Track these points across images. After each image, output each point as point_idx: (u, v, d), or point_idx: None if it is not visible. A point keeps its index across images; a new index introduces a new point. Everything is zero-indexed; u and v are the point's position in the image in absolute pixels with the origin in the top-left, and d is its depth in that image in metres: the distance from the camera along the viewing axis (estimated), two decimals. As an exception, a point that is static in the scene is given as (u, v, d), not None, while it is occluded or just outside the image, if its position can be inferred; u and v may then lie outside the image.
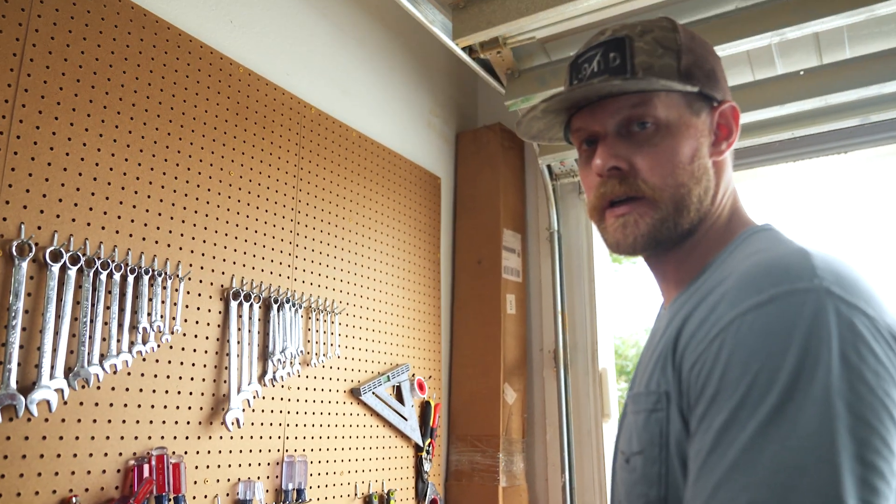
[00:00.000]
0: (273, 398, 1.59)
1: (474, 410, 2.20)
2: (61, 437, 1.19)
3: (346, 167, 1.91)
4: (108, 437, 1.26)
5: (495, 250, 2.30)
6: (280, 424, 1.60)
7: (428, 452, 2.03)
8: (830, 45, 1.94)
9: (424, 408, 2.06)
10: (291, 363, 1.62)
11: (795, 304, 0.60)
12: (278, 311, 1.61)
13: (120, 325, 1.29)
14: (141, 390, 1.32)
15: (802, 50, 1.97)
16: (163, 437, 1.35)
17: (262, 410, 1.56)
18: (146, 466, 1.27)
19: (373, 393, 1.86)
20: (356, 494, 1.79)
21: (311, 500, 1.64)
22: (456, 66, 2.58)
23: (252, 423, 1.53)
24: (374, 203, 2.00)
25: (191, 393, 1.41)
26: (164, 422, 1.35)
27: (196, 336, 1.44)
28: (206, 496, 1.42)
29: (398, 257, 2.06)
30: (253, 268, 1.58)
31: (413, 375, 2.05)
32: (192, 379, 1.42)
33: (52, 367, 1.17)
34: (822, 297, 0.60)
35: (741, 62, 2.02)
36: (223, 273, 1.52)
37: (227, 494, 1.46)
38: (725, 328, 0.63)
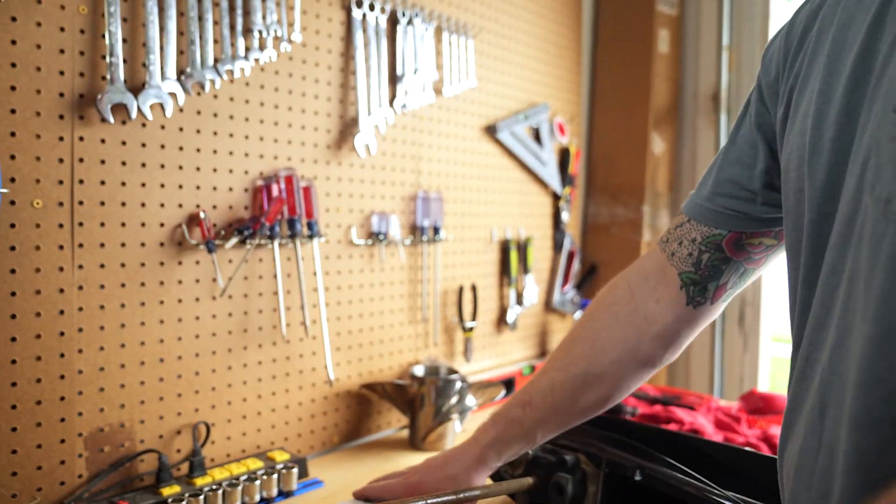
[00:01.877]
0: (405, 128, 1.42)
1: (617, 160, 1.98)
2: (181, 148, 1.07)
3: None
4: (231, 153, 1.13)
5: (648, -26, 1.93)
6: (413, 157, 1.44)
7: (567, 202, 1.86)
8: None
9: (563, 154, 1.86)
10: (423, 88, 1.42)
11: None
12: (406, 27, 1.38)
13: (232, 27, 1.11)
14: (262, 104, 1.17)
15: None
16: (289, 159, 1.22)
17: (394, 140, 1.40)
18: (275, 186, 1.15)
19: (510, 132, 1.67)
20: (492, 239, 1.67)
21: (447, 239, 1.53)
22: None
23: (384, 153, 1.38)
24: None
25: (316, 112, 1.25)
26: (289, 141, 1.21)
27: (318, 48, 1.25)
28: (339, 225, 1.31)
29: (536, -22, 1.75)
30: (376, -28, 1.35)
31: (553, 116, 1.82)
32: (316, 97, 1.25)
33: (163, 68, 1.02)
34: None
35: None
36: (343, -25, 1.29)
37: (361, 226, 1.35)
38: None
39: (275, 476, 1.09)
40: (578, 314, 1.83)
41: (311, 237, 1.21)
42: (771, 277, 1.96)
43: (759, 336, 1.95)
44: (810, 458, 0.55)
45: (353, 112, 1.31)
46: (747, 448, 0.97)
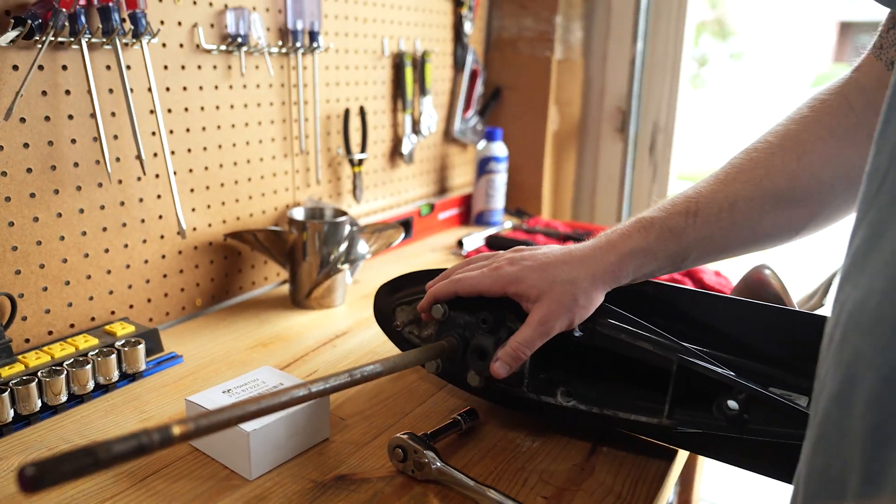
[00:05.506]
0: None
1: (527, -41, 1.66)
2: None
3: None
4: None
5: None
6: (277, -68, 1.08)
7: (470, 9, 1.55)
8: None
9: (466, -53, 1.53)
10: None
11: None
12: None
13: None
14: None
15: None
16: (95, -84, 0.84)
17: None
18: (73, -45, 0.79)
19: None
20: (383, 52, 1.35)
21: (327, 48, 1.20)
22: None
23: (236, -78, 1.01)
24: None
25: None
26: None
27: None
28: (179, 22, 0.96)
29: None
30: None
31: None
32: None
33: None
34: None
35: None
36: None
37: (212, 25, 1.00)
38: None
39: (113, 356, 0.82)
40: (482, 144, 1.58)
41: (136, 36, 0.86)
42: (684, 109, 1.79)
43: (670, 165, 1.80)
44: (890, 305, 0.37)
45: None
46: (699, 289, 0.79)
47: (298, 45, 1.12)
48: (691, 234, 0.66)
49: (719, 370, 0.63)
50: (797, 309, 0.75)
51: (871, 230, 0.38)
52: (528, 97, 1.72)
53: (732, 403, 0.62)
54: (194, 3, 0.97)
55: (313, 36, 1.14)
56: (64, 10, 0.76)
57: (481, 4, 1.65)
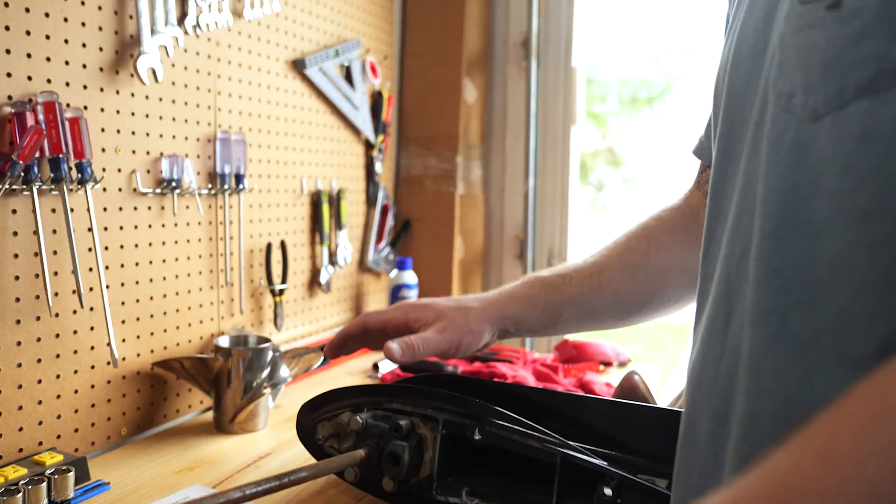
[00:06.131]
0: (199, 54, 1.19)
1: (430, 108, 1.87)
2: None
3: None
4: (-37, 68, 0.85)
5: (460, -89, 1.83)
6: (210, 91, 1.22)
7: (380, 151, 1.73)
8: None
9: (376, 99, 1.71)
10: (220, 8, 1.20)
11: None
12: (197, -70, 1.15)
13: None
14: (6, 4, 0.89)
15: None
16: (49, 81, 0.95)
17: (186, 68, 1.16)
18: (30, 115, 0.89)
19: (320, 69, 1.48)
20: (302, 191, 1.49)
21: (252, 189, 1.32)
22: None
23: (174, 83, 1.14)
24: None
25: (84, 24, 0.99)
26: (48, 59, 0.94)
27: (82, -59, 0.98)
28: (120, 169, 1.06)
29: None
30: None
31: (365, 54, 1.66)
32: (82, 2, 0.99)
33: None
34: None
35: None
36: None
37: (148, 171, 1.11)
38: None
39: (44, 484, 0.85)
40: (395, 273, 1.71)
41: (82, 183, 0.96)
42: (576, 228, 1.99)
43: (566, 287, 1.98)
44: (712, 365, 0.52)
45: (133, 28, 1.06)
46: (583, 394, 0.92)
47: (226, 187, 1.24)
48: (567, 292, 0.82)
49: (595, 462, 0.74)
50: (659, 406, 0.89)
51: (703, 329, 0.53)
52: (435, 228, 1.88)
53: (607, 490, 0.73)
54: (133, 152, 1.08)
55: (239, 178, 1.26)
56: (21, 161, 0.85)
57: (390, 146, 1.83)
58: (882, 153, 0.39)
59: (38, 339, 0.95)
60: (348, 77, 1.59)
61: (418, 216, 1.89)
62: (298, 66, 1.43)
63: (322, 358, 1.27)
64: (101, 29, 1.01)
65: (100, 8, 1.01)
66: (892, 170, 0.39)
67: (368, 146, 1.70)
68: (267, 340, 1.21)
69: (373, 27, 1.70)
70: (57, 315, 0.97)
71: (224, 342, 1.19)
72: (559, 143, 1.94)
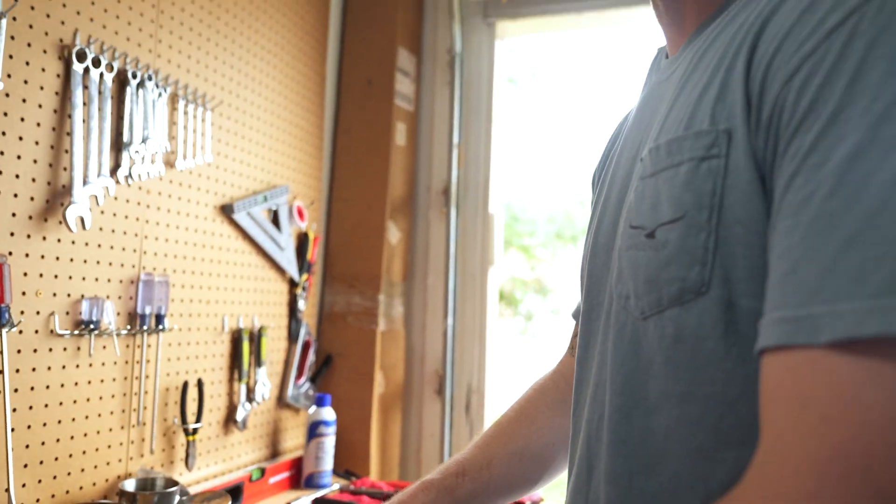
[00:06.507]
0: (129, 201, 1.25)
1: (355, 248, 1.96)
2: None
3: (223, -72, 1.50)
4: None
5: (388, 71, 2.00)
6: (136, 235, 1.27)
7: (304, 289, 1.78)
8: None
9: (302, 239, 1.79)
10: (153, 159, 1.27)
11: None
12: (137, 89, 1.24)
13: None
14: (-58, 160, 0.94)
15: None
16: (-23, 229, 0.99)
17: (115, 214, 1.22)
18: (-47, 263, 0.92)
19: (247, 213, 1.56)
20: (223, 328, 1.52)
21: (172, 329, 1.35)
22: None
23: (101, 228, 1.19)
24: (255, -15, 1.61)
25: (17, 176, 1.04)
26: (-22, 208, 0.99)
27: (25, 100, 1.05)
28: (38, 312, 1.08)
29: (281, 59, 1.71)
30: (105, 26, 1.19)
31: (293, 199, 1.75)
32: (18, 157, 1.04)
33: None
34: None
35: None
36: (63, 23, 1.11)
37: (68, 313, 1.13)
38: (855, 10, 0.43)
39: None
40: (313, 409, 1.73)
41: (-1, 327, 0.98)
42: (494, 363, 2.06)
43: (484, 422, 2.02)
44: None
45: (66, 179, 1.11)
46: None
47: (145, 327, 1.26)
48: (461, 492, 0.86)
49: None
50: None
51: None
52: (356, 364, 1.91)
53: None
54: (54, 294, 1.11)
55: (160, 318, 1.29)
56: (-62, 310, 0.87)
57: (315, 283, 1.89)
58: (690, 350, 0.50)
59: (-66, 487, 0.93)
60: (276, 220, 1.67)
61: (340, 351, 1.93)
62: (227, 210, 1.50)
63: (229, 501, 1.26)
64: (34, 180, 1.07)
65: (35, 161, 1.07)
66: (699, 363, 0.49)
67: (293, 284, 1.76)
68: (175, 483, 1.20)
69: (302, 174, 1.80)
70: (-44, 461, 0.96)
71: (130, 485, 1.18)
72: (477, 282, 2.04)
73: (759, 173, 0.47)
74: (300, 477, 1.72)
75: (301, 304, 1.77)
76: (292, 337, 1.77)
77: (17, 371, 1.05)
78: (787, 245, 0.42)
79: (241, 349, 1.55)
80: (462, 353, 2.02)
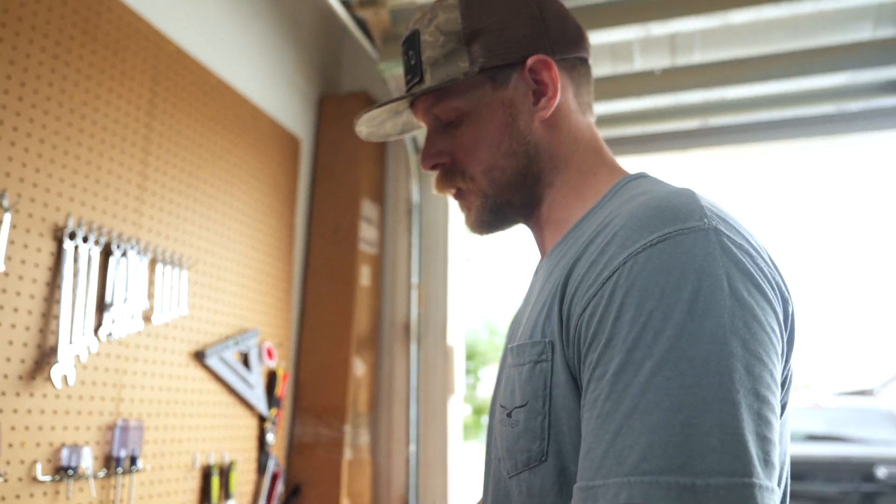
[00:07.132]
0: (109, 355, 1.42)
1: (322, 382, 2.12)
2: None
3: (203, 113, 1.76)
4: None
5: (353, 219, 2.23)
6: (115, 385, 1.43)
7: (273, 423, 1.92)
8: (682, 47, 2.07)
9: (271, 376, 1.95)
10: (132, 316, 1.45)
11: (688, 243, 0.59)
12: (120, 258, 1.44)
13: (-74, 257, 1.08)
14: (-51, 335, 1.12)
15: (658, 50, 2.08)
16: (-26, 391, 1.15)
17: (95, 368, 1.39)
18: (-48, 423, 1.08)
19: (219, 357, 1.73)
20: (194, 465, 1.65)
21: (145, 469, 1.49)
22: (324, 27, 2.47)
23: (83, 382, 1.36)
24: (231, 156, 1.85)
25: (11, 342, 1.22)
26: (-24, 373, 1.16)
27: (21, 277, 1.25)
28: (22, 461, 1.23)
29: (253, 216, 1.93)
30: (94, 208, 1.40)
31: (263, 341, 1.93)
32: (13, 326, 1.22)
33: None
34: (712, 236, 0.60)
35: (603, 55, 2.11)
36: (58, 209, 1.33)
37: (49, 461, 1.28)
38: (618, 269, 0.61)
39: None
40: (279, 539, 1.83)
41: (-13, 479, 1.13)
42: (457, 488, 2.17)
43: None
44: None
45: (53, 341, 1.29)
46: None
47: (120, 469, 1.40)
48: None
49: None
50: None
51: None
52: (324, 493, 2.02)
53: None
54: (37, 444, 1.26)
55: (133, 460, 1.43)
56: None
57: (284, 417, 2.03)
58: (539, 503, 0.67)
59: None
60: (246, 361, 1.84)
61: (308, 481, 2.04)
62: (199, 356, 1.67)
63: None
64: (25, 345, 1.24)
65: (27, 328, 1.25)
66: None
67: (262, 419, 1.90)
68: None
69: (272, 316, 1.99)
70: None
71: None
72: (439, 411, 2.19)
73: (573, 375, 0.65)
74: None
75: (270, 438, 1.91)
76: (261, 469, 1.89)
77: (1, 515, 1.19)
78: (586, 432, 0.59)
79: (210, 483, 1.68)
80: (426, 479, 2.14)
